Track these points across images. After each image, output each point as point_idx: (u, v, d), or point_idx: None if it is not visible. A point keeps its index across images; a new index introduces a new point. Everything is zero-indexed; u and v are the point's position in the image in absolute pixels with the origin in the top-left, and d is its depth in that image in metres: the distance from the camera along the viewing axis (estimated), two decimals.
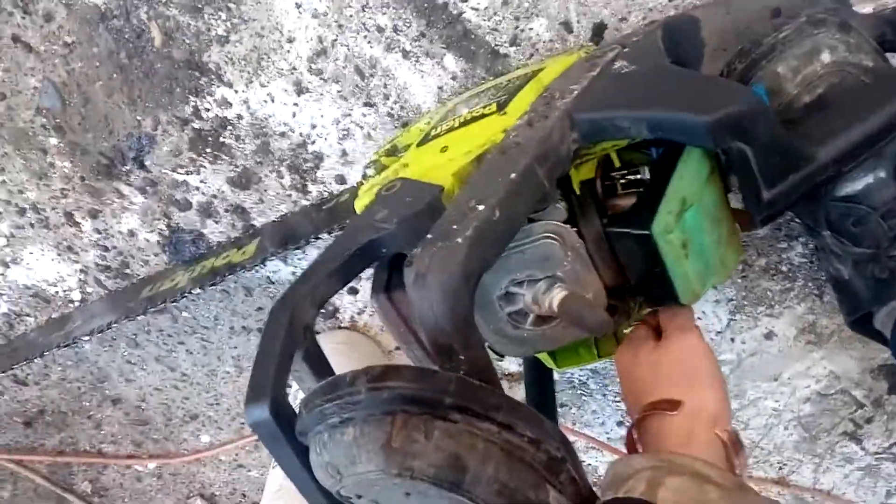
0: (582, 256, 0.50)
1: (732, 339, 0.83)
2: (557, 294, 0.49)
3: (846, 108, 0.50)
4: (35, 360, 0.89)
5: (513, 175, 0.46)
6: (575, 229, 0.50)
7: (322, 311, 0.88)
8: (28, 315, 0.89)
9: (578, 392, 0.93)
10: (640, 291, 0.54)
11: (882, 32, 0.56)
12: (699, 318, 0.81)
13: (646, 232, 0.47)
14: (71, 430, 1.02)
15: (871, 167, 0.55)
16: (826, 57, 0.53)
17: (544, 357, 0.64)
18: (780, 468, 0.95)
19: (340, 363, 0.57)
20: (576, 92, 0.50)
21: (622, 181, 0.52)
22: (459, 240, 0.43)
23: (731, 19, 0.60)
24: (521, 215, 0.46)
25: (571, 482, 0.42)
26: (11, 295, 0.87)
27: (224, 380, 0.95)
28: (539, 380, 0.71)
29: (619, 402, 0.93)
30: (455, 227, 0.44)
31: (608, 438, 0.96)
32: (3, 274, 0.85)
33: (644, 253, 0.48)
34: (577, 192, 0.53)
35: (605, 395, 0.93)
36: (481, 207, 0.45)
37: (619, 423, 0.95)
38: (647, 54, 0.51)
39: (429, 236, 0.45)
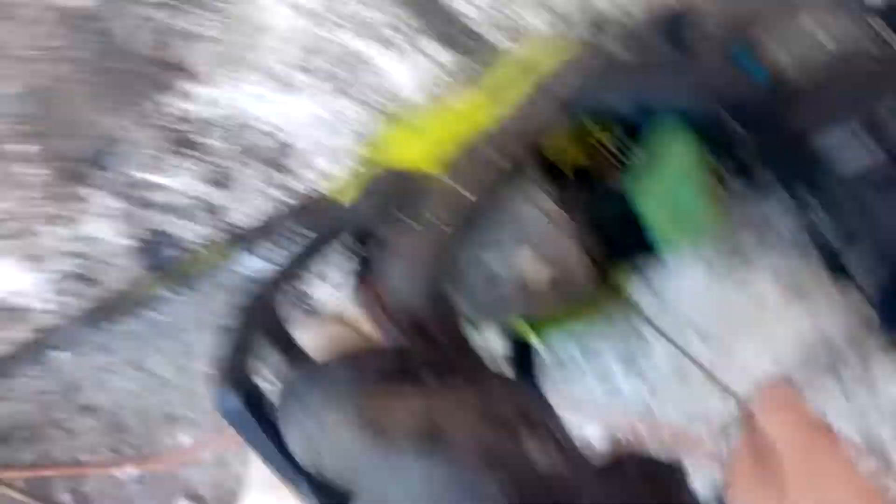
0: (561, 221, 0.52)
1: (712, 296, 0.87)
2: (532, 259, 0.51)
3: (830, 84, 0.54)
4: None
5: (499, 161, 0.47)
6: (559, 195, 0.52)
7: (304, 305, 0.87)
8: None
9: None
10: (620, 251, 0.57)
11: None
12: None
13: (627, 191, 0.50)
14: (46, 443, 0.99)
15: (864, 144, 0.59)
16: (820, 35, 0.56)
17: (521, 327, 0.66)
18: None
19: (321, 353, 0.58)
20: (569, 77, 0.51)
21: (610, 158, 0.54)
22: (445, 227, 0.45)
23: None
24: (504, 199, 0.48)
25: (550, 436, 0.42)
26: None
27: (200, 379, 0.94)
28: (521, 356, 0.74)
29: None
30: (439, 212, 0.46)
31: None
32: None
33: (625, 212, 0.51)
34: (568, 177, 0.55)
35: None
36: (467, 194, 0.46)
37: None
38: (643, 41, 0.53)
39: (410, 221, 0.46)
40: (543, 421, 0.42)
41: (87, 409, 0.95)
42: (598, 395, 0.99)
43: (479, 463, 0.38)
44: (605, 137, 0.54)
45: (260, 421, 0.43)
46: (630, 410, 1.01)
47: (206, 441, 1.02)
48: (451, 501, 0.37)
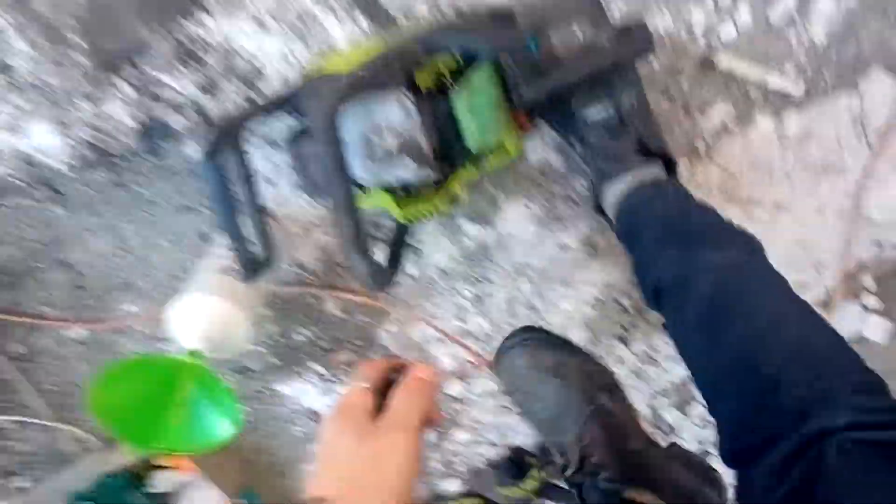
0: (415, 114, 0.92)
1: (539, 248, 1.25)
2: (395, 133, 0.90)
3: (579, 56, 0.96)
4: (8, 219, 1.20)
5: (378, 60, 0.89)
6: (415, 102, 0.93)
7: None
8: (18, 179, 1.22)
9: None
10: (448, 155, 0.96)
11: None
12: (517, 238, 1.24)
13: (450, 98, 0.90)
14: (19, 291, 1.31)
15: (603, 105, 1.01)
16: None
17: (393, 208, 1.04)
18: None
19: None
20: (429, 31, 0.94)
21: (448, 81, 0.96)
22: (343, 80, 0.85)
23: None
24: (380, 80, 0.89)
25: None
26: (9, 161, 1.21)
27: (159, 252, 1.29)
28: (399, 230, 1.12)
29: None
30: (343, 77, 0.86)
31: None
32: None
33: (448, 113, 0.91)
34: (422, 91, 0.96)
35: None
36: (359, 73, 0.87)
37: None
38: (475, 15, 0.97)
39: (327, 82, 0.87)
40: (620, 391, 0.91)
41: (62, 264, 1.29)
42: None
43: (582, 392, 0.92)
44: (444, 67, 0.96)
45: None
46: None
47: (149, 313, 1.34)
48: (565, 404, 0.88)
